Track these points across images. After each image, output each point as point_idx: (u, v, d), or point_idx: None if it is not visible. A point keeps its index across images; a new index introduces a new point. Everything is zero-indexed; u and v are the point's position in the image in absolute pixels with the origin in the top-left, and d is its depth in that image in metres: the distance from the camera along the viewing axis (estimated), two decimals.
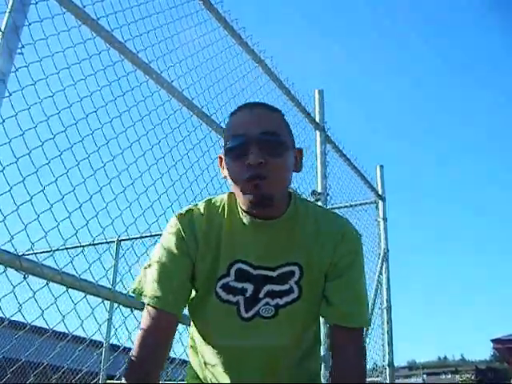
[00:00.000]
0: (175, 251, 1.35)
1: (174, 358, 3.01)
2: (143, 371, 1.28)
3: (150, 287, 1.33)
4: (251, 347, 1.40)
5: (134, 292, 1.37)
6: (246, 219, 1.37)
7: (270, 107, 1.39)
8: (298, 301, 1.39)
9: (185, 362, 3.26)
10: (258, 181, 1.26)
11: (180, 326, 2.62)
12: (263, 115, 1.34)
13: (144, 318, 1.33)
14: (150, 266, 1.37)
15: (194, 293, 1.43)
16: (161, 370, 1.34)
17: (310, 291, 1.40)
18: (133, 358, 1.29)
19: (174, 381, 3.77)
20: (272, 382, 1.43)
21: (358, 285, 1.43)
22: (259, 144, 1.28)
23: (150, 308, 1.33)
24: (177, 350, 2.67)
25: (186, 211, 1.41)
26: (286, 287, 1.38)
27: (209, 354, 1.45)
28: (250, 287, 1.37)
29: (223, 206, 1.42)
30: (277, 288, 1.38)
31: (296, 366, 1.48)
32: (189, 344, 1.58)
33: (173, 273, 1.34)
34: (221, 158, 1.41)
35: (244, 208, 1.36)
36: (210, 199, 1.45)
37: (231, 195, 1.42)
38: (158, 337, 1.31)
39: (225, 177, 1.39)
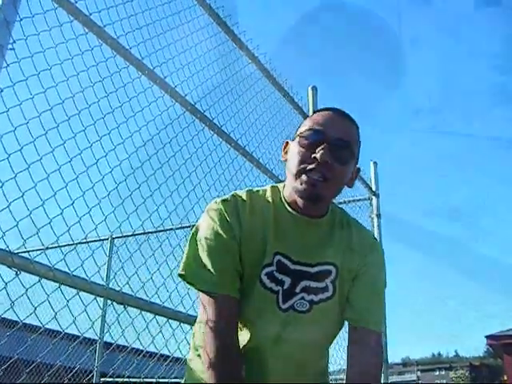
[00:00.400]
0: (225, 236, 1.37)
1: (168, 356, 3.00)
2: (231, 357, 1.31)
3: (207, 274, 1.34)
4: (284, 338, 1.42)
5: (185, 277, 1.38)
6: (289, 214, 1.41)
7: (353, 121, 1.44)
8: (331, 300, 1.44)
9: (178, 360, 3.27)
10: (317, 180, 1.31)
11: (174, 324, 2.62)
12: (345, 125, 1.41)
13: (207, 305, 1.35)
14: (197, 252, 1.37)
15: None
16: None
17: (340, 293, 1.45)
18: (216, 344, 1.30)
19: (168, 379, 3.78)
20: (294, 376, 1.47)
21: (380, 294, 1.52)
22: (332, 147, 1.34)
23: (211, 295, 1.34)
24: (171, 348, 2.66)
25: (230, 197, 1.44)
26: (322, 285, 1.43)
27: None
28: (287, 280, 1.40)
29: (266, 198, 1.45)
30: (313, 285, 1.42)
31: (314, 364, 1.53)
32: (192, 346, 1.54)
33: (226, 257, 1.37)
34: (287, 142, 1.48)
35: (289, 196, 1.41)
36: (251, 189, 1.48)
37: (274, 188, 1.48)
38: (230, 323, 1.35)
39: (284, 160, 1.45)
